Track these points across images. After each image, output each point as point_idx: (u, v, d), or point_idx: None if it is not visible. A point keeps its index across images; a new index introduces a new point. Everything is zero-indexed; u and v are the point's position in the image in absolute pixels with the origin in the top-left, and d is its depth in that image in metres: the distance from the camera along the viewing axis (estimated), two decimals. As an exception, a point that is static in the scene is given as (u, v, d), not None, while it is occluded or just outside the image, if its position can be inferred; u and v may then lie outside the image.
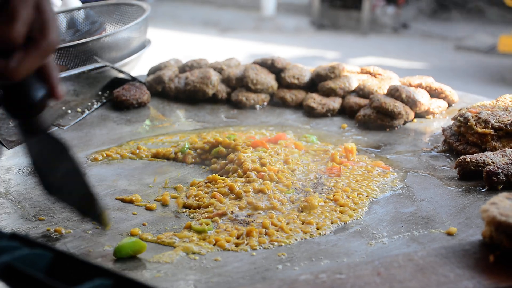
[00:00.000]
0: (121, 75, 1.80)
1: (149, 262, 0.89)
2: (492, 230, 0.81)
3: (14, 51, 0.72)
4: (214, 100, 1.74)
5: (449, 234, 0.96)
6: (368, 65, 1.82)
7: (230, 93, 1.74)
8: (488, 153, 1.19)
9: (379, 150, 1.38)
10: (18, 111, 0.80)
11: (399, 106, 1.51)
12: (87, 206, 0.86)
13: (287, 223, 1.00)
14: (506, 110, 1.34)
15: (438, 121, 1.56)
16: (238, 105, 1.70)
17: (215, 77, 1.74)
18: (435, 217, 1.03)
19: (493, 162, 1.15)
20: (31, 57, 0.73)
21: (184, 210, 1.08)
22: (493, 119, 1.29)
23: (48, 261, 0.61)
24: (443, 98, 1.63)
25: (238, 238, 0.96)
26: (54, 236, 0.97)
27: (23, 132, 0.82)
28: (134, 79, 1.78)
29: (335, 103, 1.64)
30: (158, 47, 2.33)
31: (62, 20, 2.08)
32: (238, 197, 1.09)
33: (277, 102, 1.72)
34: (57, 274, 0.60)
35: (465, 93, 1.73)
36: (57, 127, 1.54)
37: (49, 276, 0.58)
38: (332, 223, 1.01)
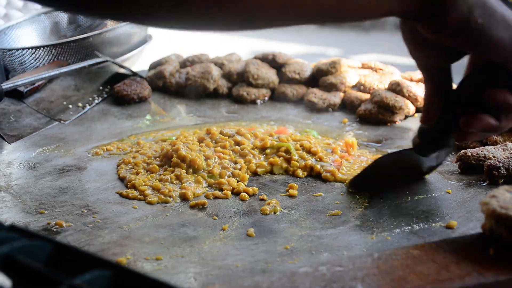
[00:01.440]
0: (122, 70, 1.81)
1: (149, 257, 0.89)
2: (492, 223, 0.81)
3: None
4: (215, 95, 1.74)
5: (449, 227, 0.96)
6: (370, 61, 1.81)
7: (231, 88, 1.74)
8: (489, 147, 1.18)
9: (380, 145, 1.38)
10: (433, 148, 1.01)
11: (400, 101, 1.50)
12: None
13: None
14: (507, 105, 1.34)
15: (439, 116, 1.56)
16: (239, 100, 1.70)
17: (216, 72, 1.74)
18: (435, 211, 1.02)
19: (494, 156, 1.14)
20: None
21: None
22: (494, 113, 1.28)
23: (48, 253, 0.61)
24: (445, 93, 1.62)
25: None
26: (55, 230, 0.98)
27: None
28: (135, 74, 1.78)
29: (336, 98, 1.64)
30: (159, 43, 2.33)
31: (63, 16, 2.08)
32: None
33: (278, 97, 1.72)
34: (56, 265, 0.60)
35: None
36: (58, 122, 1.54)
37: (49, 267, 0.58)
38: (332, 215, 1.02)
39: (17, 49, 1.80)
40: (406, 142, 1.38)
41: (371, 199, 1.08)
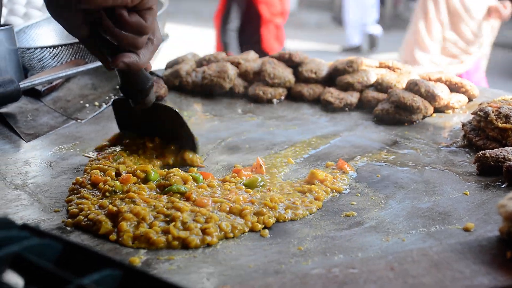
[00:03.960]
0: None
1: (162, 257, 0.89)
2: (509, 226, 0.80)
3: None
4: (231, 94, 1.74)
5: (466, 230, 0.94)
6: (388, 60, 1.79)
7: (247, 87, 1.74)
8: (508, 149, 1.16)
9: (397, 145, 1.36)
10: (134, 96, 1.22)
11: (418, 101, 1.48)
12: (186, 138, 1.28)
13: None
14: (527, 105, 1.31)
15: (458, 116, 1.54)
16: (255, 99, 1.69)
17: (232, 71, 1.73)
18: (452, 213, 1.01)
19: (513, 157, 1.12)
20: (150, 51, 1.13)
21: None
22: (514, 113, 1.26)
23: (58, 252, 0.61)
24: (463, 93, 1.60)
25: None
26: (69, 228, 0.98)
27: (135, 106, 1.24)
28: (151, 73, 1.78)
29: (352, 97, 1.62)
30: (177, 42, 2.33)
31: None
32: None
33: (294, 96, 1.70)
34: (66, 265, 0.60)
35: (486, 87, 1.70)
36: (75, 121, 1.55)
37: (58, 267, 0.58)
38: (347, 215, 1.01)
39: (36, 48, 1.82)
40: (424, 142, 1.36)
41: (387, 200, 1.07)
